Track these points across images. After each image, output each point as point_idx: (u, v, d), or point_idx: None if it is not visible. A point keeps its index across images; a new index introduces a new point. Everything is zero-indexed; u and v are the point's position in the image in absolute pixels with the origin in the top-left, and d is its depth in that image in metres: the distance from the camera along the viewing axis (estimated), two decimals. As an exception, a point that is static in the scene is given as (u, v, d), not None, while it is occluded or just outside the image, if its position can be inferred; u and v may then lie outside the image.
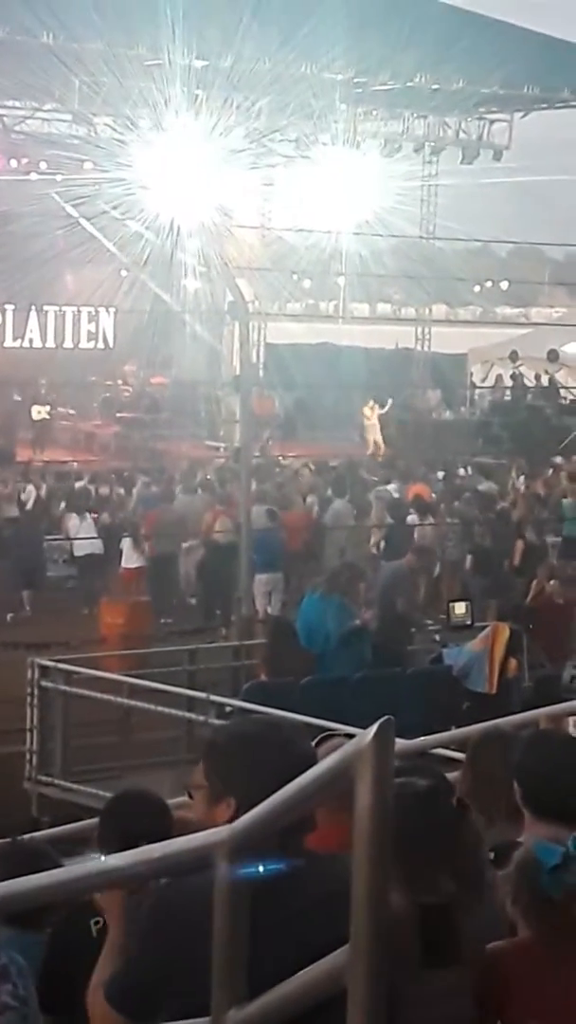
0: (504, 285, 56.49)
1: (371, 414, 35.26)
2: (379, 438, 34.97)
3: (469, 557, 21.95)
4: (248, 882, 2.98)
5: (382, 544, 23.48)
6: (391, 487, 26.29)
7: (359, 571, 16.40)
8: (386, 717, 2.66)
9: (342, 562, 18.90)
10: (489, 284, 56.41)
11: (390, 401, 35.60)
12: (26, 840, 6.20)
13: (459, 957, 3.36)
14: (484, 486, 26.60)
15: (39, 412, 34.17)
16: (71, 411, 35.78)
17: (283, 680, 13.89)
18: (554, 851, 3.56)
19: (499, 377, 40.41)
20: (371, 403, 35.41)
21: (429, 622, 17.99)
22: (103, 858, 3.68)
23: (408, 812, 3.23)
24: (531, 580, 19.05)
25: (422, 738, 8.26)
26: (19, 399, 34.74)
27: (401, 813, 2.89)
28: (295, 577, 21.79)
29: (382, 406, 35.35)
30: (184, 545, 22.97)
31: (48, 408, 34.37)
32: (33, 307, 38.00)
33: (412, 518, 23.66)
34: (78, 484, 26.54)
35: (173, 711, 14.12)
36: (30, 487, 25.84)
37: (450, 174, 37.91)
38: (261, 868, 3.03)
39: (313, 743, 4.20)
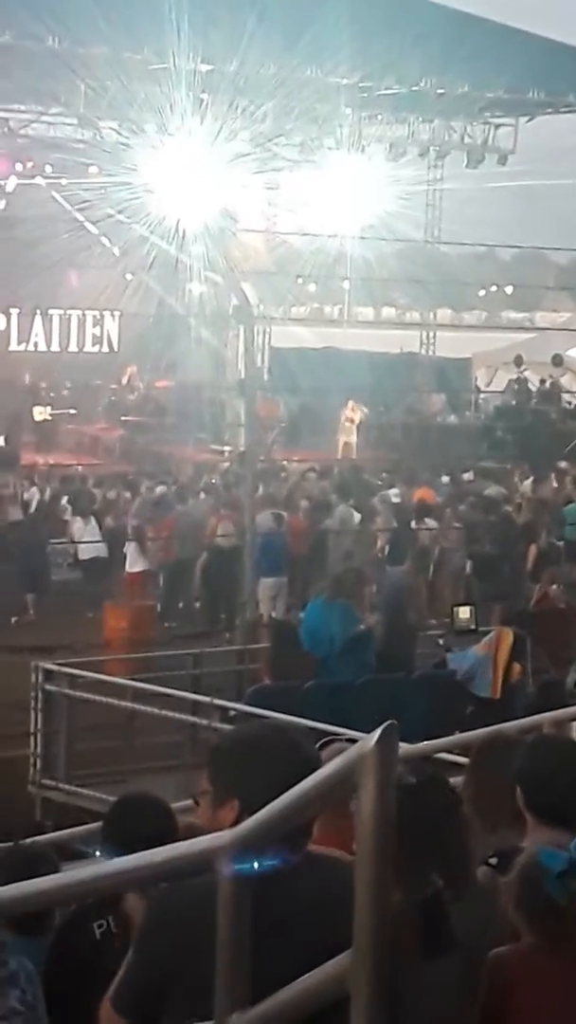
0: (509, 289, 56.58)
1: (353, 416, 35.10)
2: (352, 440, 34.78)
3: (469, 562, 21.92)
4: (251, 886, 2.98)
5: (387, 549, 23.43)
6: (393, 491, 26.26)
7: (363, 576, 16.39)
8: (389, 722, 2.66)
9: (346, 567, 18.88)
10: (494, 288, 56.57)
11: (350, 403, 35.30)
12: (28, 844, 6.21)
13: (452, 947, 3.38)
14: (491, 490, 26.55)
15: (41, 413, 34.17)
16: (71, 411, 35.68)
17: (287, 684, 13.90)
18: (559, 857, 3.56)
19: (505, 382, 40.35)
20: (351, 404, 35.22)
21: (433, 622, 17.98)
22: (107, 862, 3.68)
23: (400, 807, 3.24)
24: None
25: (426, 743, 8.26)
26: (23, 402, 34.70)
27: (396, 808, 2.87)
28: (300, 581, 21.76)
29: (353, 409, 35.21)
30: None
31: (50, 409, 34.36)
32: (38, 311, 37.98)
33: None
34: (83, 487, 26.51)
35: (177, 715, 14.12)
36: (34, 490, 25.83)
37: (455, 178, 37.83)
38: (263, 872, 3.03)
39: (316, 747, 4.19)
